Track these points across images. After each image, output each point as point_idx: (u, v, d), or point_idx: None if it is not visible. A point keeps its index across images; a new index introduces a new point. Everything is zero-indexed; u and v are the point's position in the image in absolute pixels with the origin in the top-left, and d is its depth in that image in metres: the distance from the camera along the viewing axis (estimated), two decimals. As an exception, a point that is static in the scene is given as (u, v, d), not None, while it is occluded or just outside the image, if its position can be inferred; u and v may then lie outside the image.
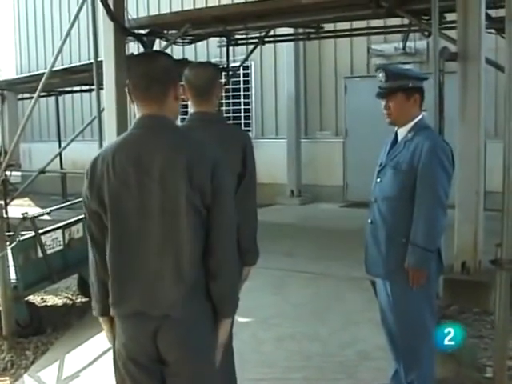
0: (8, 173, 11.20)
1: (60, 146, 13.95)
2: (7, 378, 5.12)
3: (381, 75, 3.84)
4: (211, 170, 2.51)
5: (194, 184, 2.47)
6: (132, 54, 9.28)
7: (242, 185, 3.54)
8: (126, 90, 2.61)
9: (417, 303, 3.79)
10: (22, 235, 5.90)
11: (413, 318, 3.82)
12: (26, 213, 6.04)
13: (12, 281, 5.74)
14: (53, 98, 15.37)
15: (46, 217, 6.75)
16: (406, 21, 9.55)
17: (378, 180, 3.92)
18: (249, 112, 14.20)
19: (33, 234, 5.99)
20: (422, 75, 4.06)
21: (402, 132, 3.88)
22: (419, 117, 3.87)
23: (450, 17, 7.77)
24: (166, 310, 2.50)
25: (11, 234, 5.81)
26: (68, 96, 15.92)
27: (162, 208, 2.48)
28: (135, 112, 2.63)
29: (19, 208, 8.82)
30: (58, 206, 7.60)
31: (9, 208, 9.73)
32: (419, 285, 3.68)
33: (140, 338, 2.56)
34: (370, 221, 3.95)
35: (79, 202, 7.08)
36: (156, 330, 2.52)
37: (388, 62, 12.50)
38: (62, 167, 14.28)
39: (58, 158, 13.00)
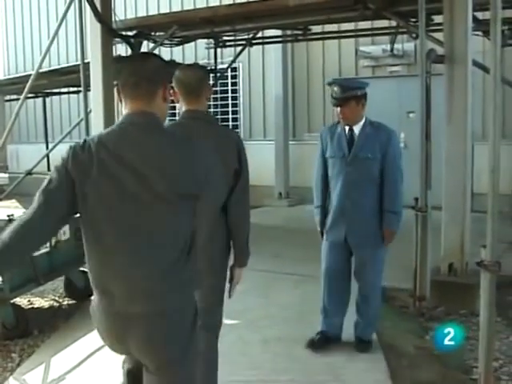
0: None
1: (47, 148, 13.89)
2: (-8, 381, 5.09)
3: (336, 88, 4.79)
4: (199, 168, 2.53)
5: (179, 181, 2.48)
6: (119, 55, 9.27)
7: (236, 188, 3.60)
8: (115, 89, 2.61)
9: (382, 260, 4.98)
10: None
11: (380, 270, 4.99)
12: (12, 215, 6.00)
13: (-2, 283, 5.72)
14: (40, 100, 15.32)
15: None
16: (393, 23, 9.58)
17: (349, 169, 4.82)
18: (237, 114, 14.20)
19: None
20: (365, 83, 4.97)
21: (357, 128, 4.87)
22: (364, 115, 4.91)
23: (437, 19, 7.80)
24: (142, 306, 2.50)
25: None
26: (55, 97, 15.87)
27: (143, 205, 2.46)
28: (123, 112, 2.62)
29: (6, 210, 8.77)
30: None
31: (-5, 210, 9.71)
32: (390, 242, 4.88)
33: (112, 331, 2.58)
34: (348, 202, 4.85)
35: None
36: (129, 325, 2.51)
37: (376, 63, 12.56)
38: (49, 169, 14.20)
39: (46, 159, 12.94)
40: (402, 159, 4.89)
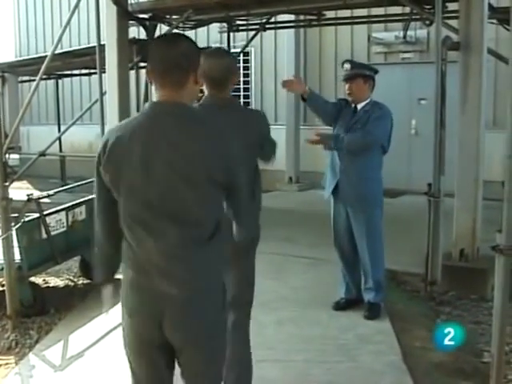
0: (6, 155, 11.18)
1: (59, 130, 13.94)
2: (12, 356, 5.18)
3: (347, 65, 5.39)
4: (223, 159, 2.54)
5: (205, 169, 2.50)
6: (133, 37, 9.28)
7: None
8: (146, 71, 2.61)
9: (379, 226, 5.45)
10: (27, 216, 5.95)
11: (379, 236, 5.45)
12: (31, 194, 6.09)
13: (16, 261, 5.80)
14: (51, 81, 15.31)
15: (45, 199, 6.75)
16: (406, 9, 9.57)
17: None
18: (248, 98, 14.22)
19: (37, 215, 6.05)
20: (375, 69, 5.54)
21: (360, 106, 5.42)
22: (370, 97, 5.45)
23: (451, 6, 7.80)
24: (177, 287, 2.54)
25: (16, 215, 5.85)
26: (67, 79, 15.85)
27: (175, 191, 2.49)
28: (153, 92, 2.64)
29: (18, 191, 8.83)
30: (63, 188, 7.71)
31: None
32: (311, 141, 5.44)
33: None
34: (342, 167, 5.36)
35: (82, 184, 7.11)
36: (164, 304, 2.54)
37: (388, 50, 12.55)
38: (61, 150, 14.27)
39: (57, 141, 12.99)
40: (382, 134, 5.35)
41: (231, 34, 11.58)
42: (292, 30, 12.79)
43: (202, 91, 3.72)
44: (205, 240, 2.56)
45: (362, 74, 5.37)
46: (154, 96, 2.62)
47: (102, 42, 8.44)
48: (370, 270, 5.47)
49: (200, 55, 2.68)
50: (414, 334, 5.13)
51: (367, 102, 5.42)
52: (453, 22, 7.18)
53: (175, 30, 9.56)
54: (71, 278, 7.31)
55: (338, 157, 5.42)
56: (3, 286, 6.24)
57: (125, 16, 8.44)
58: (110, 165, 2.54)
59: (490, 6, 7.16)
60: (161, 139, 2.48)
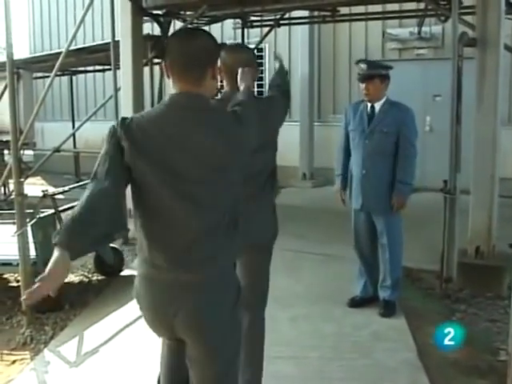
0: (21, 151, 11.24)
1: (74, 126, 13.98)
2: (27, 352, 5.21)
3: (362, 65, 5.35)
4: (239, 150, 2.55)
5: (224, 160, 2.50)
6: (148, 33, 9.27)
7: None
8: (163, 65, 2.57)
9: (400, 227, 5.48)
10: (42, 212, 5.97)
11: (399, 236, 5.48)
12: (46, 190, 6.11)
13: (31, 257, 5.82)
14: (65, 78, 15.36)
15: (60, 195, 6.75)
16: (421, 5, 9.52)
17: (367, 141, 5.37)
18: (262, 95, 14.16)
19: (52, 211, 6.06)
20: (390, 66, 5.51)
21: (378, 106, 5.39)
22: (386, 95, 5.42)
23: (466, 1, 7.75)
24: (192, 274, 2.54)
25: (31, 211, 5.87)
26: (81, 76, 15.92)
27: (184, 181, 2.46)
28: (170, 86, 2.61)
29: (33, 187, 8.87)
30: (78, 184, 7.74)
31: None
32: (400, 209, 5.36)
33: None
34: (364, 172, 5.39)
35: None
36: (179, 295, 2.54)
37: (403, 46, 12.49)
38: (75, 146, 14.31)
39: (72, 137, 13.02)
40: (417, 136, 5.45)
41: (245, 30, 11.55)
42: (306, 26, 12.76)
43: (221, 87, 3.71)
44: (225, 228, 2.55)
45: (378, 74, 5.35)
46: (172, 90, 2.60)
47: (117, 39, 8.46)
48: (389, 268, 5.49)
49: (219, 50, 2.68)
50: (429, 331, 5.08)
51: (384, 100, 5.41)
52: (468, 18, 7.13)
53: (189, 26, 9.57)
54: (86, 273, 7.32)
55: (362, 163, 5.42)
56: (18, 281, 6.28)
57: (139, 12, 8.45)
58: (128, 144, 2.47)
59: (507, 2, 7.11)
60: (178, 131, 2.46)
